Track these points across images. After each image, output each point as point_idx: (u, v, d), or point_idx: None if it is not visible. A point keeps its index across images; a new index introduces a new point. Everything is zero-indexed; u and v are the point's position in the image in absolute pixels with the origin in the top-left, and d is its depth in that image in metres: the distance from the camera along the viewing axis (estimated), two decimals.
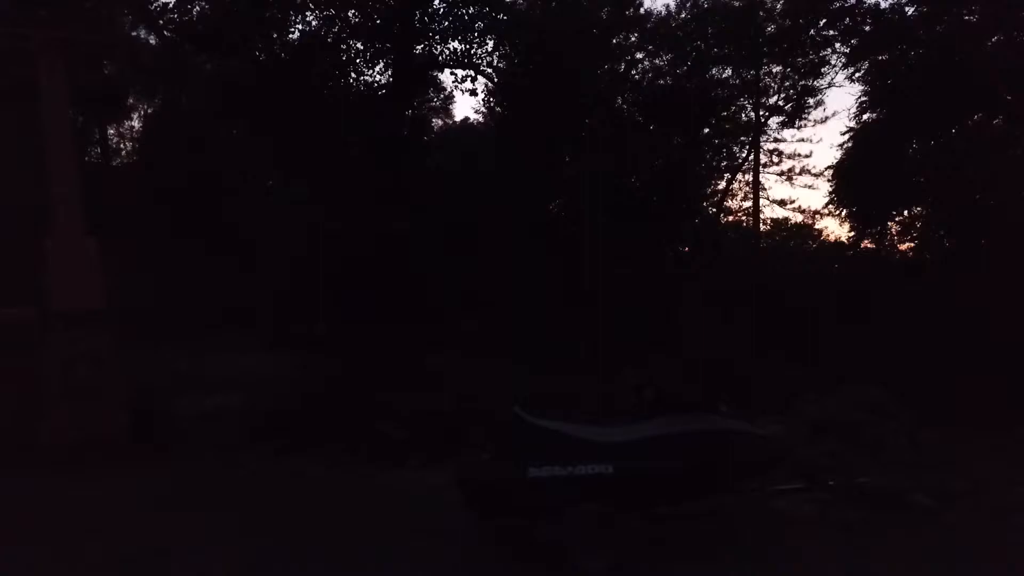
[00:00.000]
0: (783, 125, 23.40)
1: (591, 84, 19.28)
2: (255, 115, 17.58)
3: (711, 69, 21.74)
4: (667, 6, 25.17)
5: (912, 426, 10.16)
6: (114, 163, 24.55)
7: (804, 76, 21.88)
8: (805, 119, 23.09)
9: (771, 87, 22.77)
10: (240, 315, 15.92)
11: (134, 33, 21.30)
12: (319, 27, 18.91)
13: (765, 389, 12.55)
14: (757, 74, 22.08)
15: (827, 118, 27.22)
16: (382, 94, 19.29)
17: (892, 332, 15.84)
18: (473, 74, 19.72)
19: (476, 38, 18.73)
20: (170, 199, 17.21)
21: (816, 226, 26.67)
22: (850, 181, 20.25)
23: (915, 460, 9.35)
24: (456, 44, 18.93)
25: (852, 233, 22.47)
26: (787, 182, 25.70)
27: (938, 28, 17.78)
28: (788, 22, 20.71)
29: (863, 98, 19.26)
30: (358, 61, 18.88)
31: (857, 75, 19.32)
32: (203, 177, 17.76)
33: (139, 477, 9.63)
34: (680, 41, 21.03)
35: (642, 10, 21.93)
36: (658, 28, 21.46)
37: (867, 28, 19.41)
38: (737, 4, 21.46)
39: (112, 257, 12.04)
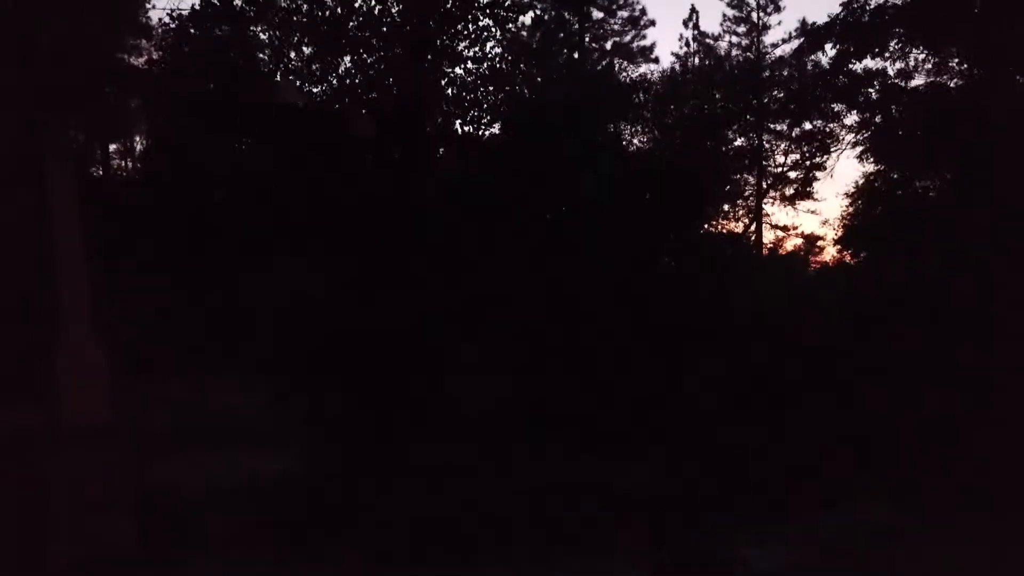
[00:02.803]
0: (791, 200, 23.53)
1: (585, 155, 19.23)
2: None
3: (715, 135, 21.80)
4: (672, 67, 25.04)
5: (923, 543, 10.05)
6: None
7: (812, 153, 22.04)
8: (813, 194, 23.31)
9: (776, 158, 22.98)
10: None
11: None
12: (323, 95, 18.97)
13: (766, 482, 12.14)
14: (760, 146, 22.22)
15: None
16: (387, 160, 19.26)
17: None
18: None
19: (484, 118, 18.86)
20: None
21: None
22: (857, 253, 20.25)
23: None
24: (464, 127, 19.05)
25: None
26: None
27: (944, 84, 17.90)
28: (795, 94, 20.82)
29: (873, 177, 19.37)
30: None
31: (864, 153, 19.43)
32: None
33: None
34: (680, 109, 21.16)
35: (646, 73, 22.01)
36: (657, 103, 21.47)
37: (873, 93, 19.55)
38: (744, 68, 21.62)
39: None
